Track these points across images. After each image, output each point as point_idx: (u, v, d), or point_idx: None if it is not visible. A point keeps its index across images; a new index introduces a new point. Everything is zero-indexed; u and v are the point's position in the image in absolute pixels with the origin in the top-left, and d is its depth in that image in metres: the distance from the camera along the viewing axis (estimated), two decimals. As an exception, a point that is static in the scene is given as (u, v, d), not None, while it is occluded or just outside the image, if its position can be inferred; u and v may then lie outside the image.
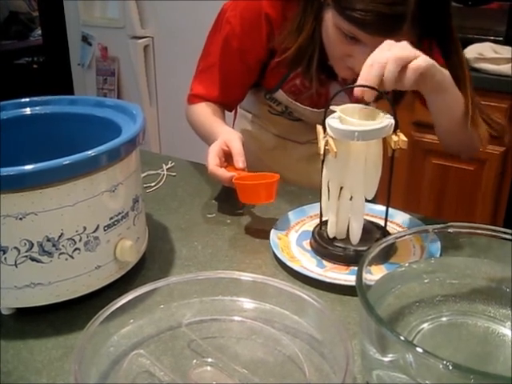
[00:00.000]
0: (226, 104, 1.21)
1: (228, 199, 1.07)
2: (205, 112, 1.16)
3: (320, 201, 0.88)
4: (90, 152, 0.68)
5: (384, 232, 0.88)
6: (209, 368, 0.63)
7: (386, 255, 0.80)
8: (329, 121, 0.81)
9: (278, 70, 1.10)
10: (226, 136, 1.02)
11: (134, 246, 0.78)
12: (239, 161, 0.96)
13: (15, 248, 0.68)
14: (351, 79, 1.02)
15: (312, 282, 0.80)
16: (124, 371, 0.62)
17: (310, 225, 0.94)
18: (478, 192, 2.04)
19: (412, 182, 2.15)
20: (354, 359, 0.57)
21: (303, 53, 1.02)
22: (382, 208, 0.94)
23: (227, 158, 1.00)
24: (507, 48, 1.98)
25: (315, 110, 1.16)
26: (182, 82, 2.50)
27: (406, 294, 0.68)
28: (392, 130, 0.80)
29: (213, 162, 0.97)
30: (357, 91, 0.80)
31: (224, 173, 0.95)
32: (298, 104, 1.16)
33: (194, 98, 1.20)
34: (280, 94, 1.16)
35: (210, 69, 1.16)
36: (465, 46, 2.02)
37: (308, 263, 0.85)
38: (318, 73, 1.04)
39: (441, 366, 0.48)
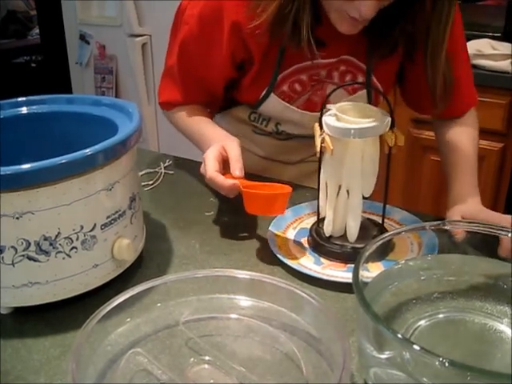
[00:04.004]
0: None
1: (226, 198, 1.06)
2: (188, 116, 1.08)
3: (318, 198, 0.88)
4: (86, 151, 0.68)
5: (381, 229, 0.88)
6: (206, 366, 0.63)
7: (384, 252, 0.80)
8: (325, 118, 0.81)
9: (258, 80, 1.02)
10: (223, 141, 0.94)
11: (132, 245, 0.78)
12: (236, 168, 0.88)
13: (12, 247, 0.68)
14: (355, 33, 0.91)
15: (309, 280, 0.80)
16: (121, 370, 0.62)
17: (308, 222, 0.94)
18: (477, 188, 2.04)
19: (410, 178, 2.15)
20: (351, 357, 0.57)
21: (286, 11, 0.87)
22: (380, 205, 0.94)
23: (224, 164, 0.92)
24: (505, 44, 1.98)
25: (314, 113, 1.05)
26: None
27: (403, 291, 0.68)
28: (389, 127, 0.80)
29: (212, 167, 0.88)
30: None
31: (224, 180, 0.87)
32: (294, 108, 1.05)
33: (164, 105, 1.13)
34: (271, 102, 1.04)
35: (170, 72, 1.08)
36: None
37: (305, 261, 0.85)
38: (309, 36, 0.90)
39: (437, 363, 0.48)
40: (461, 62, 1.04)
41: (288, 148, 1.18)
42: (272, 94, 1.04)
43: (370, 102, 1.07)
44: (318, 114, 1.06)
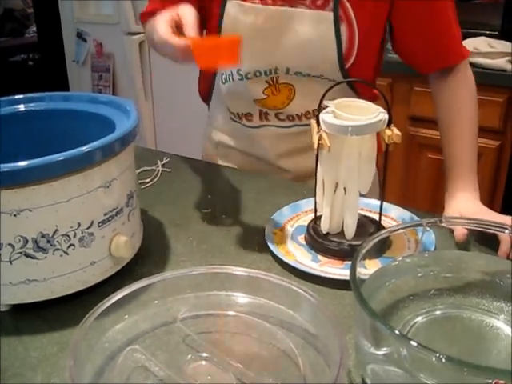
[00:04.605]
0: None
1: (223, 195, 1.07)
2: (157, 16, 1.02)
3: (315, 196, 0.88)
4: (83, 148, 0.68)
5: (378, 226, 0.88)
6: (204, 363, 0.63)
7: (381, 249, 0.80)
8: (323, 115, 0.81)
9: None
10: (178, 8, 0.87)
11: (129, 242, 0.78)
12: (190, 29, 0.83)
13: (10, 244, 0.68)
14: None
15: (307, 277, 0.80)
16: (119, 366, 0.62)
17: (305, 220, 0.94)
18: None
19: (408, 176, 2.16)
20: (348, 353, 0.57)
21: None
22: (377, 202, 0.94)
23: (178, 30, 0.85)
24: (502, 42, 1.99)
25: (274, 7, 1.01)
26: (177, 77, 2.50)
27: (400, 287, 0.68)
28: (386, 124, 0.80)
29: (164, 29, 0.83)
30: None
31: (178, 41, 0.81)
32: (248, 3, 1.01)
33: (143, 17, 1.11)
34: (229, 9, 1.02)
35: None
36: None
37: (303, 258, 0.85)
38: None
39: (434, 359, 0.48)
40: (451, 13, 1.05)
41: (259, 139, 1.16)
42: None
43: (337, 27, 1.01)
44: (277, 7, 1.02)
